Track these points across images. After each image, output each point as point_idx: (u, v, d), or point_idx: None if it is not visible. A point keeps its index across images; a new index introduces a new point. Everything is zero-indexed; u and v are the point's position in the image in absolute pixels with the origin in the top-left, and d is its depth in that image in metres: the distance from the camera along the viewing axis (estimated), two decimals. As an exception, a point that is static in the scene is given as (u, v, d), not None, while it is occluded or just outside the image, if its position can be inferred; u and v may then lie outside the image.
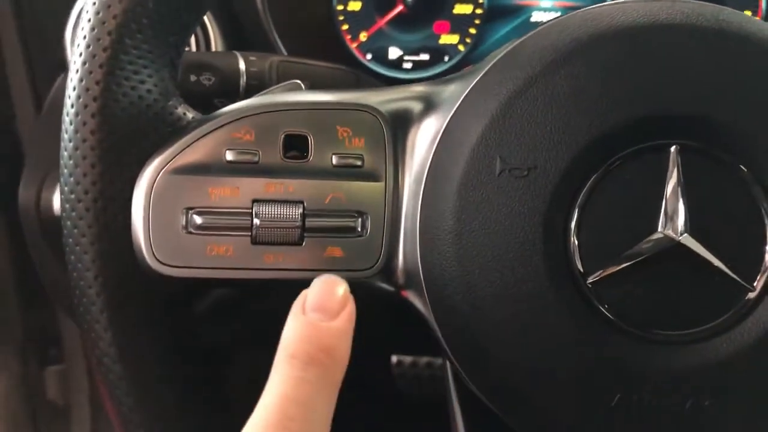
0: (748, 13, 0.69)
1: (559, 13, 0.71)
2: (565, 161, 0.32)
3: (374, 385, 0.96)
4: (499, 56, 0.34)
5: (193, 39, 0.61)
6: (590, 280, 0.32)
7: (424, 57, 0.72)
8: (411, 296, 0.36)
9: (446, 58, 0.72)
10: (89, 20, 0.34)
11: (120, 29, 0.33)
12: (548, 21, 0.35)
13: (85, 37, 0.34)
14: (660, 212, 0.31)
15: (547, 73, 0.32)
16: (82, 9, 0.58)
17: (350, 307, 0.31)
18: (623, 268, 0.32)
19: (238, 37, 0.63)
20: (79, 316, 0.35)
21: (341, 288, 0.32)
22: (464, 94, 0.34)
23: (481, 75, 0.34)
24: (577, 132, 0.32)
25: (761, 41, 0.32)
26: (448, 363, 0.38)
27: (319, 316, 0.30)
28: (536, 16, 0.71)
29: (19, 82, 0.69)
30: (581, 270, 0.32)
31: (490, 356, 0.33)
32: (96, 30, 0.33)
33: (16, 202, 0.61)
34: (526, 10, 0.71)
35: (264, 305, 0.49)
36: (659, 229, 0.31)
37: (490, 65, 0.34)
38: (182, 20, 0.36)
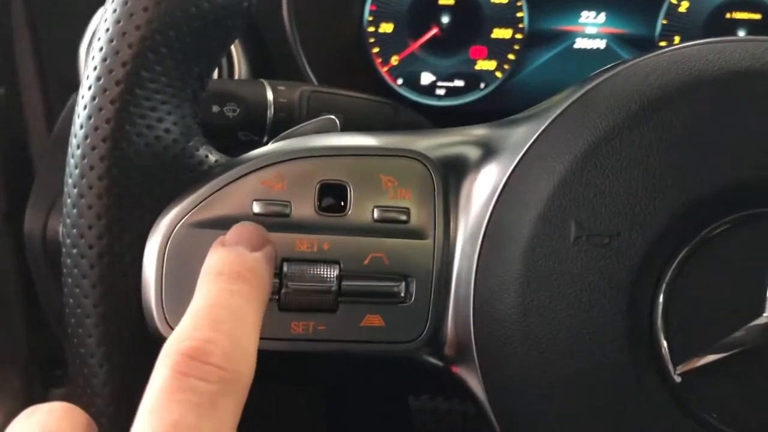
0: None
1: (604, 41, 0.66)
2: (654, 229, 0.27)
3: (392, 422, 0.92)
4: (574, 98, 0.30)
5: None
6: (679, 370, 0.28)
7: (459, 83, 0.68)
8: (462, 373, 0.31)
9: (482, 85, 0.68)
10: (101, 48, 0.29)
11: (136, 59, 0.29)
12: (628, 60, 0.31)
13: (95, 68, 0.29)
14: (764, 294, 0.27)
15: (631, 124, 0.28)
16: (95, 30, 0.54)
17: (271, 246, 0.30)
18: (719, 358, 0.27)
19: (263, 61, 0.59)
20: (79, 388, 0.31)
21: (261, 230, 0.30)
22: (531, 142, 0.30)
23: (551, 119, 0.30)
24: (668, 195, 0.27)
25: None
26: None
27: (241, 248, 0.29)
28: (580, 43, 0.67)
29: (32, 100, 0.67)
30: (669, 358, 0.28)
31: None
32: (108, 60, 0.29)
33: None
34: (570, 36, 0.67)
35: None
36: (763, 314, 0.27)
37: (562, 108, 0.30)
38: (208, 48, 0.31)
